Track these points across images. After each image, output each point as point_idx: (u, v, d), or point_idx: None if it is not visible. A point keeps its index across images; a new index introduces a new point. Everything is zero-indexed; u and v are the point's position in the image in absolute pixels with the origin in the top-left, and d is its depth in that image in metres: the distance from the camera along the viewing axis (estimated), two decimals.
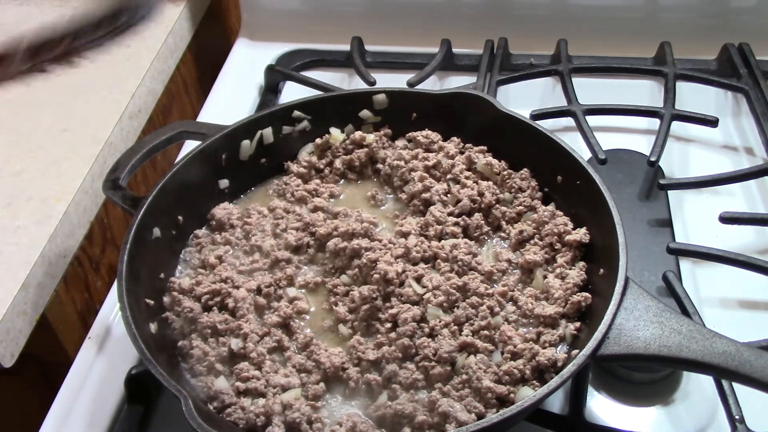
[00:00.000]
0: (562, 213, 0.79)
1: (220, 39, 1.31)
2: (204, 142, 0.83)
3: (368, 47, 1.14)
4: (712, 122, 0.97)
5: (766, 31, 1.10)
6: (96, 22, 0.63)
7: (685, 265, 0.84)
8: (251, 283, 0.75)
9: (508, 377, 0.66)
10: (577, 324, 0.70)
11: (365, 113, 0.89)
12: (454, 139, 0.87)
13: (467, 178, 0.84)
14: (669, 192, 0.91)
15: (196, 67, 1.23)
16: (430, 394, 0.65)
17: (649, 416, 0.72)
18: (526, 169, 0.83)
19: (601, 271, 0.71)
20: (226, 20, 1.34)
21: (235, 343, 0.70)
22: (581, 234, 0.75)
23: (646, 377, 0.74)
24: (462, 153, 0.86)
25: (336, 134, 0.89)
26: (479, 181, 0.84)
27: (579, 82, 1.03)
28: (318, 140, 0.89)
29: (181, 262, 0.80)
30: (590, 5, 1.14)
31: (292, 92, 1.09)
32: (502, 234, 0.81)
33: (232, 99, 1.10)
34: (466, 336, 0.69)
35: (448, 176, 0.84)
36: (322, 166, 0.89)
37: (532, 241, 0.78)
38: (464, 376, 0.66)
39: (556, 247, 0.76)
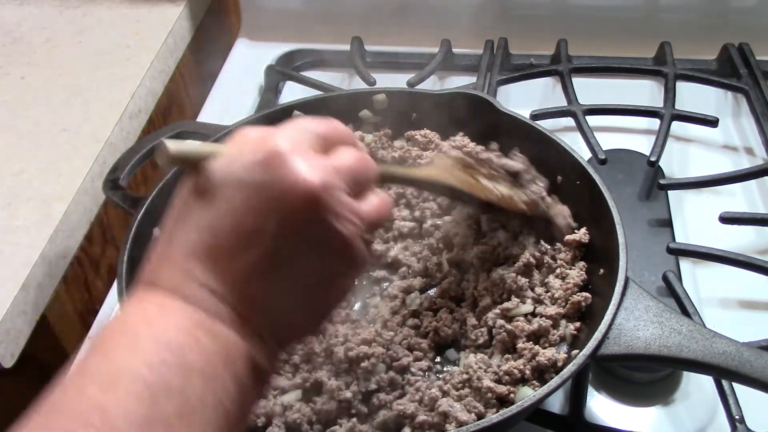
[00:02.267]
0: None
1: (220, 39, 1.31)
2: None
3: (368, 47, 1.13)
4: (712, 122, 0.97)
5: (766, 31, 1.10)
6: None
7: (685, 265, 0.83)
8: None
9: (508, 377, 0.66)
10: (577, 324, 0.70)
11: (365, 113, 0.89)
12: (456, 138, 0.87)
13: None
14: (669, 192, 0.91)
15: (196, 67, 1.23)
16: (430, 392, 0.65)
17: (649, 416, 0.72)
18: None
19: (601, 271, 0.71)
20: (226, 20, 1.34)
21: None
22: (581, 234, 0.75)
23: (646, 377, 0.74)
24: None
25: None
26: None
27: (579, 82, 1.03)
28: None
29: None
30: (590, 5, 1.14)
31: (292, 92, 1.09)
32: None
33: (232, 99, 1.10)
34: None
35: None
36: None
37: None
38: (464, 376, 0.66)
39: (556, 247, 0.76)
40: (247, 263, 0.46)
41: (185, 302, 0.45)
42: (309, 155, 0.48)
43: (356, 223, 0.49)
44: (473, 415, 0.63)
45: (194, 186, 0.48)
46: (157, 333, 0.44)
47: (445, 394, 0.65)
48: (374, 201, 0.52)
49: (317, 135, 0.50)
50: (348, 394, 0.65)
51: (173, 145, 0.47)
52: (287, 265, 0.47)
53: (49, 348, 0.86)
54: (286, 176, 0.46)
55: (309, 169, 0.47)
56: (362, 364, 0.66)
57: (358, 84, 1.07)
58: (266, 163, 0.46)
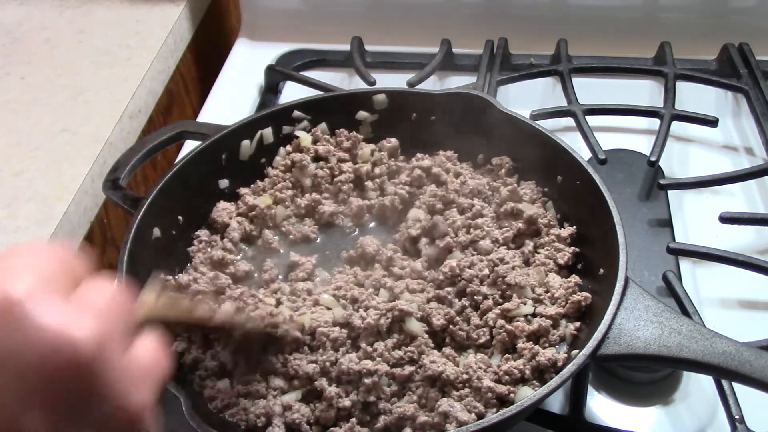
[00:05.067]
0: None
1: (220, 39, 1.31)
2: (204, 142, 0.83)
3: (368, 47, 1.13)
4: (712, 122, 0.97)
5: (766, 31, 1.10)
6: None
7: (685, 265, 0.84)
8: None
9: (508, 377, 0.66)
10: (577, 324, 0.70)
11: (362, 114, 0.89)
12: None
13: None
14: (669, 192, 0.91)
15: (196, 67, 1.23)
16: (430, 393, 0.65)
17: (649, 416, 0.72)
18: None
19: (601, 271, 0.71)
20: (226, 20, 1.34)
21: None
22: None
23: (646, 377, 0.74)
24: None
25: (303, 136, 0.87)
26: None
27: (579, 82, 1.03)
28: (288, 147, 0.88)
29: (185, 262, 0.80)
30: (590, 5, 1.14)
31: (292, 92, 1.09)
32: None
33: (232, 99, 1.10)
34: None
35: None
36: None
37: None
38: (464, 376, 0.66)
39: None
40: None
41: None
42: (60, 300, 0.34)
43: (144, 388, 0.36)
44: (473, 415, 0.63)
45: None
46: None
47: (445, 394, 0.65)
48: (147, 346, 0.39)
49: (60, 268, 0.36)
50: (347, 403, 0.64)
51: None
52: None
53: None
54: (38, 334, 0.32)
55: (69, 320, 0.33)
56: (365, 380, 0.65)
57: (358, 84, 1.07)
58: (3, 316, 0.32)
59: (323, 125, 0.88)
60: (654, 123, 0.97)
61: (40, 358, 0.32)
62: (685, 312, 0.75)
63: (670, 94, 1.00)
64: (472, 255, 0.75)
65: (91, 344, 0.33)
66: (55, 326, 0.32)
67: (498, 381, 0.66)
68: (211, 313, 0.62)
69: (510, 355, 0.68)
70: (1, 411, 0.31)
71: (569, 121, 0.98)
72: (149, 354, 0.39)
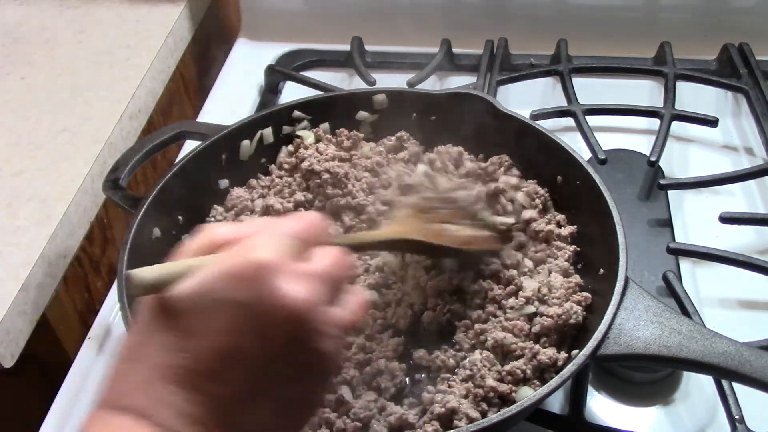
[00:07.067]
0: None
1: (220, 39, 1.31)
2: (204, 142, 0.83)
3: (368, 47, 1.14)
4: (712, 122, 0.97)
5: (766, 31, 1.10)
6: None
7: (685, 265, 0.84)
8: None
9: (511, 377, 0.66)
10: None
11: (362, 114, 0.89)
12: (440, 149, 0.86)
13: None
14: (669, 192, 0.91)
15: (196, 67, 1.23)
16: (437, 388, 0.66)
17: (649, 416, 0.72)
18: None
19: (601, 271, 0.71)
20: (226, 20, 1.34)
21: None
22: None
23: (646, 377, 0.74)
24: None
25: (306, 135, 0.87)
26: None
27: (579, 82, 1.03)
28: (290, 147, 0.88)
29: None
30: (590, 5, 1.14)
31: (292, 92, 1.09)
32: None
33: (232, 99, 1.10)
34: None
35: None
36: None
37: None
38: (467, 372, 0.66)
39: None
40: (230, 388, 0.44)
41: (157, 429, 0.42)
42: (291, 267, 0.46)
43: (338, 336, 0.48)
44: (478, 413, 0.63)
45: (163, 305, 0.44)
46: None
47: (446, 392, 0.66)
48: (351, 303, 0.50)
49: (293, 238, 0.48)
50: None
51: (144, 274, 0.44)
52: (270, 387, 0.46)
53: (49, 348, 0.86)
54: (270, 294, 0.44)
55: (293, 285, 0.45)
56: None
57: (358, 84, 1.07)
58: (249, 279, 0.44)
59: (326, 125, 0.88)
60: (654, 123, 0.97)
61: (269, 310, 0.44)
62: (685, 312, 0.75)
63: (670, 94, 1.00)
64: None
65: (302, 305, 0.45)
66: (281, 288, 0.44)
67: (501, 380, 0.66)
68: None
69: (511, 355, 0.68)
70: (236, 341, 0.44)
71: (569, 121, 0.98)
72: (352, 304, 0.50)
